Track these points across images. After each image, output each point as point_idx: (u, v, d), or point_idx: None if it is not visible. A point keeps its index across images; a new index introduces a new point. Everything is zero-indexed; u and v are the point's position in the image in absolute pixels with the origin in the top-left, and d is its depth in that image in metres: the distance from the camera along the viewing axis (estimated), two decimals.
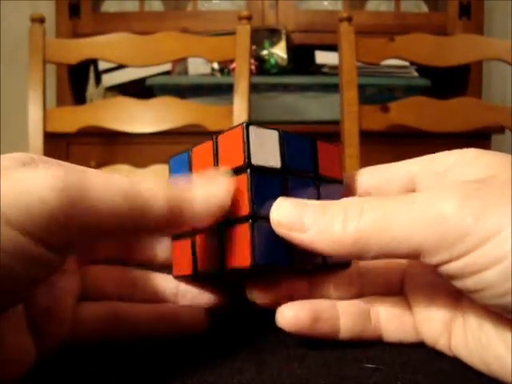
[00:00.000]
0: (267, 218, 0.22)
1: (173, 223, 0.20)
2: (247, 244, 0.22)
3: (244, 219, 0.22)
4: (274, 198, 0.22)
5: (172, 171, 0.26)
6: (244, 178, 0.22)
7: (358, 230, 0.20)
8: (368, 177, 0.26)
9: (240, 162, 0.22)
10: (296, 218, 0.21)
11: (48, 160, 0.22)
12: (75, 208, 0.17)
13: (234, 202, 0.22)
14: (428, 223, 0.19)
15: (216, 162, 0.24)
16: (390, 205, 0.20)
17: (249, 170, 0.22)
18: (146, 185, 0.19)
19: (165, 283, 0.26)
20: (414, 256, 0.20)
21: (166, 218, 0.20)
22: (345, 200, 0.21)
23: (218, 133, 0.24)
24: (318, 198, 0.24)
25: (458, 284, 0.19)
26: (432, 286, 0.23)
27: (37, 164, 0.21)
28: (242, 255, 0.22)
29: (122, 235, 0.20)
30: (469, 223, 0.18)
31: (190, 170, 0.25)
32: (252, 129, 0.22)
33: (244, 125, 0.22)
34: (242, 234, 0.22)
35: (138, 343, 0.24)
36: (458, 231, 0.18)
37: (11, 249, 0.16)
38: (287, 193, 0.23)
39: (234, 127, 0.23)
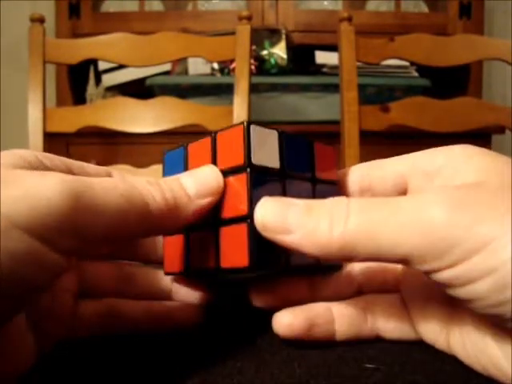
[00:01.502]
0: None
1: (172, 216, 0.21)
2: (244, 244, 0.21)
3: (242, 219, 0.22)
4: None
5: (166, 166, 0.26)
6: (243, 177, 0.22)
7: (344, 234, 0.19)
8: (359, 175, 0.25)
9: (240, 161, 0.22)
10: (281, 219, 0.20)
11: (52, 157, 0.22)
12: (83, 209, 0.18)
13: (232, 201, 0.22)
14: (416, 231, 0.18)
15: (214, 160, 0.23)
16: (376, 210, 0.19)
17: (249, 170, 0.22)
18: (141, 185, 0.20)
19: (160, 279, 0.26)
20: (403, 263, 0.19)
21: (164, 211, 0.21)
22: (331, 200, 0.20)
23: (216, 130, 0.23)
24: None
25: (451, 292, 0.19)
26: (428, 287, 0.23)
27: (43, 164, 0.21)
28: (238, 255, 0.22)
29: (127, 235, 0.20)
30: (458, 233, 0.18)
31: (186, 166, 0.25)
32: (253, 128, 0.22)
33: (245, 123, 0.22)
34: (240, 234, 0.22)
35: (137, 343, 0.24)
36: (447, 241, 0.18)
37: (21, 253, 0.16)
38: (285, 195, 0.23)
39: (234, 125, 0.23)
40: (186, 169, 0.24)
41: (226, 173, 0.23)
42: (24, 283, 0.17)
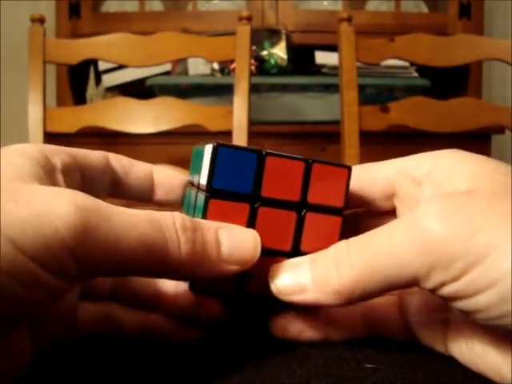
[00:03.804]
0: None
1: (191, 269, 0.20)
2: None
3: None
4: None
5: (220, 164, 0.22)
6: (338, 220, 0.23)
7: (351, 275, 0.19)
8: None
9: (339, 203, 0.23)
10: (293, 281, 0.21)
11: (56, 151, 0.22)
12: (91, 245, 0.17)
13: (321, 238, 0.22)
14: (417, 249, 0.18)
15: (305, 189, 0.23)
16: (372, 241, 0.19)
17: (342, 214, 0.23)
18: (171, 228, 0.19)
19: (162, 284, 0.26)
20: (414, 283, 0.19)
21: (186, 262, 0.19)
22: (333, 247, 0.21)
23: (312, 159, 0.23)
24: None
25: (453, 305, 0.19)
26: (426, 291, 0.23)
27: (49, 160, 0.21)
28: None
29: (134, 274, 0.20)
30: (458, 246, 0.17)
31: (260, 178, 0.22)
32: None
33: (348, 168, 0.23)
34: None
35: (136, 343, 0.24)
36: (448, 255, 0.18)
37: (21, 275, 0.16)
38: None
39: (336, 164, 0.23)
40: (259, 181, 0.22)
41: (316, 208, 0.23)
42: (23, 304, 0.16)
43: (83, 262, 0.17)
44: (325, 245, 0.22)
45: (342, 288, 0.20)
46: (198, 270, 0.20)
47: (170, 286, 0.25)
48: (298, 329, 0.23)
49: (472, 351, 0.21)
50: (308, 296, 0.21)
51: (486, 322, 0.18)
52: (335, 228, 0.23)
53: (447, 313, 0.22)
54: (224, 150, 0.22)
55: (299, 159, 0.22)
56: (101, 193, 0.25)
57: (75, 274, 0.17)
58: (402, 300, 0.24)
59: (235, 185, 0.22)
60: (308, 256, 0.22)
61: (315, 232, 0.23)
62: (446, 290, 0.18)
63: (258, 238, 0.21)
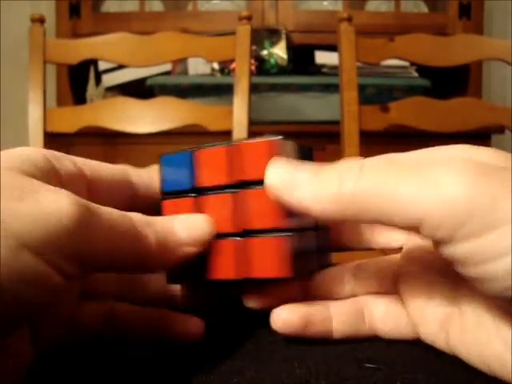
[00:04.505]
0: (296, 229, 0.22)
1: (159, 257, 0.21)
2: (284, 255, 0.22)
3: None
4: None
5: (165, 171, 0.25)
6: None
7: (356, 188, 0.19)
8: None
9: None
10: (289, 177, 0.21)
11: (60, 156, 0.22)
12: (88, 238, 0.18)
13: (266, 212, 0.22)
14: (435, 196, 0.17)
15: (237, 170, 0.23)
16: (395, 169, 0.19)
17: None
18: (140, 224, 0.21)
19: (161, 282, 0.26)
20: (413, 227, 0.18)
21: (154, 252, 0.21)
22: (343, 162, 0.20)
23: (239, 140, 0.23)
24: None
25: (463, 271, 0.18)
26: (427, 285, 0.23)
27: (52, 165, 0.21)
28: (276, 266, 0.22)
29: (120, 268, 0.21)
30: (482, 203, 0.17)
31: (194, 173, 0.24)
32: (290, 144, 0.23)
33: (278, 140, 0.22)
34: (274, 245, 0.22)
35: (137, 343, 0.24)
36: (468, 209, 0.17)
37: (27, 274, 0.16)
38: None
39: (265, 139, 0.22)
40: (194, 176, 0.24)
41: (252, 183, 0.22)
42: (26, 304, 0.16)
43: (84, 257, 0.18)
44: (276, 218, 0.22)
45: (340, 197, 0.19)
46: (166, 257, 0.22)
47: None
48: (299, 323, 0.23)
49: (476, 343, 0.20)
50: (298, 195, 0.20)
51: (497, 294, 0.17)
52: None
53: (450, 307, 0.22)
54: (166, 158, 0.25)
55: (223, 145, 0.23)
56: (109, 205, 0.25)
57: (72, 269, 0.17)
58: (404, 297, 0.24)
59: (179, 184, 0.24)
60: (313, 164, 0.21)
61: (260, 207, 0.22)
62: (456, 251, 0.18)
63: (208, 218, 0.23)
